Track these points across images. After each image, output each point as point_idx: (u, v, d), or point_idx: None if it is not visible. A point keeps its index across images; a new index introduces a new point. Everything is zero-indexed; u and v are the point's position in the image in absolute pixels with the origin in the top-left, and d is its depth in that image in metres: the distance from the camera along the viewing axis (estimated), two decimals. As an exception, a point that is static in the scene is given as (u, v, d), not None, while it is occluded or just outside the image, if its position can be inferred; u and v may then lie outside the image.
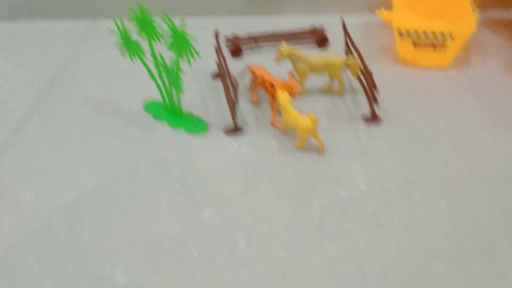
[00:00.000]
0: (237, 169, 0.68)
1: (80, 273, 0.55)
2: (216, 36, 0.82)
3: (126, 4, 1.07)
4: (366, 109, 0.77)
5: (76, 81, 0.89)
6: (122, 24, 0.68)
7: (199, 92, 0.84)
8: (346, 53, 0.86)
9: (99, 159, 0.71)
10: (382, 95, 0.77)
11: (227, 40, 0.95)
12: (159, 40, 0.66)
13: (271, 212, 0.62)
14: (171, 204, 0.63)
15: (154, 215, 0.62)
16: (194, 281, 0.54)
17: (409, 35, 0.82)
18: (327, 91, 0.81)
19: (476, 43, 0.89)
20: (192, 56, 0.64)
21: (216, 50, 0.83)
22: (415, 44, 0.83)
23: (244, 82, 0.83)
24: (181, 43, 0.64)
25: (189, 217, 0.61)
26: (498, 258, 0.56)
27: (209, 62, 0.86)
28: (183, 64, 0.68)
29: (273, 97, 0.74)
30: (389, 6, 0.96)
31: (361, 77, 0.79)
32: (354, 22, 0.97)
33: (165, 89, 0.75)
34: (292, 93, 0.71)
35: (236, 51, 0.92)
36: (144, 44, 0.70)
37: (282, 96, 0.70)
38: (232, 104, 0.72)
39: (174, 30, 0.63)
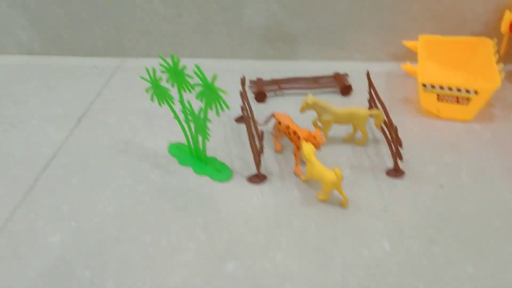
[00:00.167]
0: (260, 220, 0.68)
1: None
2: (243, 83, 0.84)
3: (153, 44, 1.11)
4: (389, 162, 0.77)
5: (103, 119, 0.92)
6: (154, 72, 0.70)
7: (223, 136, 0.85)
8: (370, 103, 0.87)
9: (123, 202, 0.72)
10: (405, 147, 0.77)
11: (251, 82, 0.97)
12: (189, 91, 0.67)
13: (294, 267, 0.61)
14: (194, 255, 0.63)
15: (177, 265, 0.62)
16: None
17: (433, 87, 0.83)
18: (350, 140, 0.82)
19: (499, 97, 0.89)
20: (222, 108, 0.65)
21: (242, 96, 0.84)
22: (438, 97, 0.84)
23: (268, 128, 0.84)
24: (211, 95, 0.65)
25: (211, 270, 0.61)
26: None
27: (233, 105, 0.87)
28: (211, 113, 0.69)
29: (297, 146, 0.74)
30: (412, 54, 0.98)
31: (385, 129, 0.80)
32: (378, 70, 0.99)
33: (191, 135, 0.76)
34: (317, 145, 0.71)
35: (260, 96, 0.94)
36: (173, 91, 0.71)
37: (307, 148, 0.70)
38: (257, 154, 0.72)
39: (205, 82, 0.65)
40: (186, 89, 0.68)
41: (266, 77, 0.99)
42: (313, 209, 0.69)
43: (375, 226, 0.66)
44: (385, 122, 0.78)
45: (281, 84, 0.96)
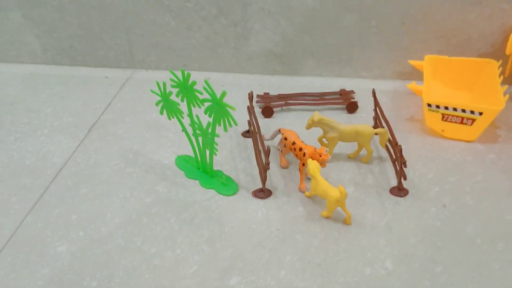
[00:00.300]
0: (265, 235, 0.69)
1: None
2: (250, 98, 0.85)
3: (163, 57, 1.13)
4: (393, 180, 0.78)
5: (113, 130, 0.94)
6: (164, 86, 0.72)
7: (230, 150, 0.86)
8: (375, 121, 0.88)
9: (130, 213, 0.74)
10: (409, 165, 0.78)
11: (259, 97, 0.99)
12: (199, 106, 0.69)
13: (296, 284, 0.62)
14: (198, 268, 0.64)
15: (182, 277, 0.63)
16: None
17: (437, 108, 0.84)
18: (354, 157, 0.83)
19: (504, 119, 0.90)
20: (230, 124, 0.67)
21: (249, 111, 0.86)
22: (443, 117, 0.85)
23: (274, 144, 0.85)
24: (219, 111, 0.67)
25: (215, 284, 0.62)
26: None
27: (241, 120, 0.88)
28: (219, 128, 0.70)
29: (302, 162, 0.76)
30: (418, 74, 0.99)
31: (390, 147, 0.81)
32: (384, 88, 1.00)
33: (199, 149, 0.78)
34: (322, 161, 0.73)
35: (267, 111, 0.95)
36: (182, 105, 0.73)
37: (312, 165, 0.71)
38: (263, 169, 0.74)
39: (214, 97, 0.66)
40: (195, 104, 0.70)
41: (273, 92, 1.01)
42: (317, 225, 0.70)
43: (377, 244, 0.67)
44: (389, 141, 0.79)
45: (287, 100, 0.98)
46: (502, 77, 0.88)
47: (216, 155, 0.75)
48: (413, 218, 0.71)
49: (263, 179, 0.74)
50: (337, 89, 1.01)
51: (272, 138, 0.84)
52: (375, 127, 0.87)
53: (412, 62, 0.97)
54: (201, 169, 0.80)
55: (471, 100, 0.92)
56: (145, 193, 0.78)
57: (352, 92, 1.00)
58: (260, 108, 0.96)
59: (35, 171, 0.84)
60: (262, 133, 0.79)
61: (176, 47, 1.09)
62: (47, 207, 0.76)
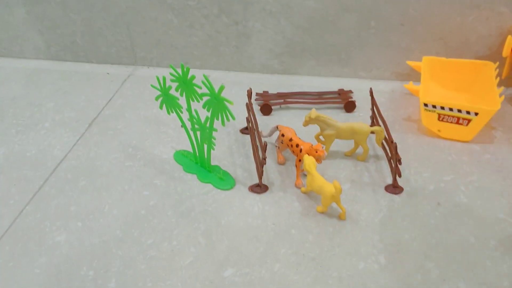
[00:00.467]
0: (260, 229, 0.70)
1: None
2: (249, 95, 0.86)
3: (165, 54, 1.15)
4: (388, 178, 0.78)
5: (113, 125, 0.95)
6: (164, 80, 0.73)
7: (228, 146, 0.87)
8: (372, 120, 0.89)
9: (128, 205, 0.75)
10: (405, 164, 0.79)
11: (258, 95, 1.00)
12: (197, 100, 0.70)
13: (291, 277, 0.63)
14: (194, 260, 0.65)
15: (177, 268, 0.64)
16: None
17: (434, 107, 0.85)
18: (351, 155, 0.84)
19: (500, 120, 0.91)
20: (227, 118, 0.68)
21: (247, 108, 0.87)
22: (439, 117, 0.86)
23: (271, 140, 0.86)
24: (217, 105, 0.68)
25: (210, 275, 0.63)
26: None
27: (239, 116, 0.89)
28: (217, 123, 0.71)
29: (299, 158, 0.76)
30: (416, 75, 1.00)
31: (386, 145, 0.82)
32: (382, 89, 1.01)
33: (197, 143, 0.79)
34: (318, 158, 0.73)
35: (266, 108, 0.96)
36: (182, 99, 0.74)
37: (308, 161, 0.72)
38: (260, 164, 0.75)
39: (212, 92, 0.67)
40: (194, 98, 0.71)
41: (272, 90, 1.02)
42: (312, 220, 0.71)
43: (371, 239, 0.68)
44: (385, 139, 0.80)
45: (286, 98, 0.99)
46: (498, 78, 0.89)
47: (214, 149, 0.76)
48: (408, 215, 0.72)
49: (260, 174, 0.75)
50: (335, 89, 1.02)
51: (270, 134, 0.85)
52: (372, 126, 0.88)
53: (410, 63, 0.98)
54: (199, 163, 0.82)
55: (468, 101, 0.93)
56: (143, 186, 0.79)
57: (350, 91, 1.01)
58: (259, 105, 0.97)
59: (36, 163, 0.85)
60: (260, 130, 0.80)
61: (178, 44, 1.10)
62: (47, 198, 0.77)
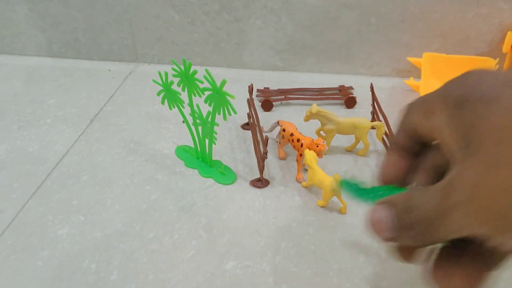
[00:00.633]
0: (261, 223, 0.70)
1: (104, 314, 0.58)
2: (250, 91, 0.87)
3: (166, 51, 1.15)
4: (389, 173, 0.79)
5: (115, 121, 0.95)
6: (166, 75, 0.73)
7: (229, 142, 0.88)
8: (373, 116, 0.89)
9: (130, 200, 0.75)
10: (405, 159, 0.79)
11: (258, 91, 1.00)
12: (199, 95, 0.71)
13: (291, 269, 0.63)
14: (196, 254, 0.65)
15: (179, 262, 0.64)
16: (213, 333, 0.56)
17: (434, 103, 0.85)
18: (351, 150, 0.84)
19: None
20: (229, 113, 0.68)
21: (249, 104, 0.87)
22: (440, 112, 0.86)
23: (272, 136, 0.87)
24: (219, 100, 0.68)
25: (212, 268, 0.63)
26: None
27: (240, 113, 0.89)
28: (218, 118, 0.71)
29: (300, 153, 0.77)
30: (416, 71, 1.01)
31: (386, 141, 0.82)
32: (382, 85, 1.02)
33: (198, 138, 0.79)
34: (319, 152, 0.74)
35: (267, 104, 0.97)
36: (183, 94, 0.74)
37: (309, 155, 0.73)
38: (261, 159, 0.75)
39: (214, 86, 0.68)
40: (196, 93, 0.71)
41: (273, 87, 1.03)
42: (313, 214, 0.72)
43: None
44: (386, 134, 0.81)
45: (287, 94, 1.00)
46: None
47: (215, 144, 0.76)
48: (408, 209, 0.72)
49: (261, 169, 0.76)
50: (336, 85, 1.03)
51: (271, 130, 0.85)
52: (372, 121, 0.88)
53: (411, 59, 0.98)
54: (200, 158, 0.82)
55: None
56: (145, 181, 0.79)
57: (351, 88, 1.01)
58: (259, 102, 0.97)
59: (38, 158, 0.85)
60: (261, 125, 0.80)
61: (179, 41, 1.11)
62: (49, 193, 0.77)
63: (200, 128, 0.77)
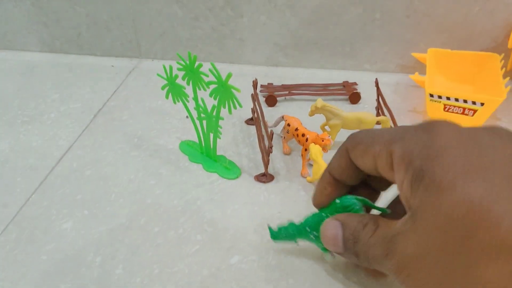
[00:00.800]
0: (266, 218, 0.70)
1: (110, 308, 0.58)
2: (255, 85, 0.86)
3: (170, 47, 1.15)
4: (394, 168, 0.78)
5: (118, 116, 0.95)
6: (170, 69, 0.73)
7: (233, 137, 0.88)
8: (377, 111, 0.89)
9: (134, 194, 0.75)
10: (411, 155, 0.79)
11: (262, 87, 1.00)
12: (204, 89, 0.70)
13: (297, 263, 0.63)
14: (201, 248, 0.65)
15: (184, 256, 0.64)
16: (219, 327, 0.56)
17: (439, 98, 0.85)
18: (356, 145, 0.84)
19: (505, 111, 0.91)
20: (234, 106, 0.68)
21: (253, 98, 0.87)
22: (445, 107, 0.86)
23: (277, 131, 0.86)
24: (224, 93, 0.68)
25: (217, 262, 0.63)
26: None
27: (244, 108, 0.89)
28: (223, 111, 0.71)
29: (305, 147, 0.77)
30: (421, 67, 1.00)
31: (391, 136, 0.82)
32: (386, 81, 1.02)
33: (203, 133, 0.79)
34: (324, 146, 0.74)
35: (271, 99, 0.96)
36: (188, 88, 0.74)
37: (315, 149, 0.72)
38: (266, 153, 0.75)
39: (219, 79, 0.67)
40: (201, 87, 0.71)
41: (277, 83, 1.02)
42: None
43: (378, 227, 0.68)
44: (391, 129, 0.80)
45: (291, 90, 0.99)
46: (504, 69, 0.89)
47: (220, 138, 0.76)
48: (414, 204, 0.72)
49: (266, 163, 0.75)
50: (340, 81, 1.02)
51: (275, 125, 0.85)
52: (377, 116, 0.88)
53: (415, 54, 0.98)
54: (204, 153, 0.82)
55: (473, 93, 0.93)
56: (149, 176, 0.79)
57: (355, 83, 1.01)
58: (263, 97, 0.97)
59: (41, 153, 0.85)
60: (265, 120, 0.80)
61: (183, 37, 1.10)
62: (53, 187, 0.77)
63: (204, 122, 0.77)
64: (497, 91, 0.84)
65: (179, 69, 0.72)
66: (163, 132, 0.90)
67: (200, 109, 0.75)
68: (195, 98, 0.74)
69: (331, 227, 0.54)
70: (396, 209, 0.54)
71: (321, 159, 0.72)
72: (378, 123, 0.81)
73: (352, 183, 0.56)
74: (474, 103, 0.83)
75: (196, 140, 0.82)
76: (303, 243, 0.62)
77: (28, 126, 0.93)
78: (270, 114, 0.93)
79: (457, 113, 0.85)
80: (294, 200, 0.73)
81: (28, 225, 0.70)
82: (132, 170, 0.80)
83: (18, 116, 0.96)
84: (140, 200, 0.74)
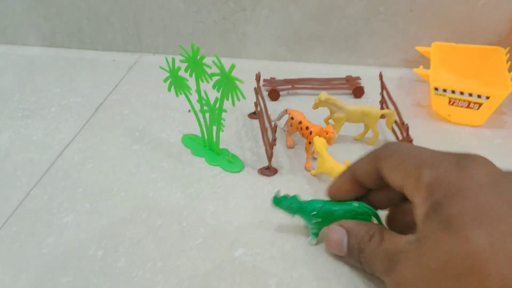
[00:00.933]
0: (270, 211, 0.69)
1: (112, 301, 0.57)
2: (258, 79, 0.85)
3: (171, 41, 1.14)
4: (399, 162, 0.77)
5: (120, 110, 0.94)
6: (173, 61, 0.72)
7: (236, 130, 0.87)
8: (381, 105, 0.88)
9: (136, 187, 0.74)
10: (415, 149, 0.78)
11: (265, 81, 0.99)
12: (207, 81, 0.69)
13: (301, 257, 0.62)
14: (204, 241, 0.64)
15: (187, 249, 0.63)
16: (222, 320, 0.55)
17: (444, 91, 0.84)
18: (360, 138, 0.83)
19: (510, 105, 0.90)
20: (238, 98, 0.67)
21: (256, 92, 0.86)
22: (450, 101, 0.85)
23: (280, 125, 0.86)
24: (228, 85, 0.67)
25: (221, 255, 0.62)
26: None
27: (247, 102, 0.89)
28: (227, 104, 0.70)
29: (309, 141, 0.76)
30: (425, 62, 0.99)
31: (396, 130, 0.81)
32: (390, 76, 1.01)
33: (206, 126, 0.78)
34: (328, 139, 0.73)
35: (274, 93, 0.95)
36: (191, 81, 0.73)
37: (319, 142, 0.72)
38: (269, 147, 0.74)
39: (222, 71, 0.67)
40: (204, 79, 0.70)
41: (280, 77, 1.02)
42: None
43: (381, 218, 0.67)
44: (396, 123, 0.79)
45: (294, 84, 0.98)
46: (509, 64, 0.88)
47: (223, 131, 0.75)
48: (419, 197, 0.71)
49: (269, 156, 0.74)
50: (343, 76, 1.01)
51: (279, 118, 0.84)
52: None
53: (419, 48, 0.97)
54: (207, 146, 0.81)
55: (478, 87, 0.92)
56: (151, 169, 0.78)
57: (358, 78, 1.00)
58: (266, 91, 0.96)
59: (42, 146, 0.84)
60: (269, 114, 0.79)
61: (185, 31, 1.10)
62: (53, 181, 0.76)
63: (207, 115, 0.76)
64: (502, 85, 0.84)
65: (181, 61, 0.71)
66: (165, 126, 0.89)
67: (203, 101, 0.74)
68: (198, 91, 0.73)
69: (337, 232, 0.57)
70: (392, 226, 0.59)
71: (326, 152, 0.71)
72: (382, 116, 0.80)
73: (371, 187, 0.58)
74: (479, 96, 0.82)
75: (199, 133, 0.81)
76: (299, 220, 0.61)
77: (29, 120, 0.92)
78: (273, 109, 0.92)
79: (462, 106, 0.84)
80: (298, 193, 0.71)
81: (29, 218, 0.69)
82: (134, 163, 0.79)
83: (18, 110, 0.95)
84: (142, 193, 0.73)
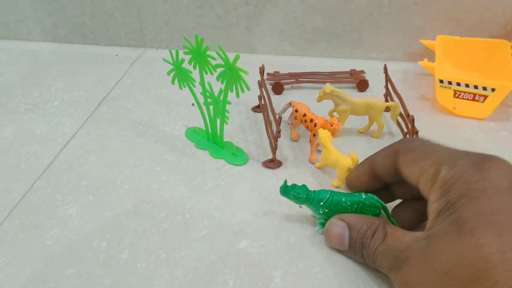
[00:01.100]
0: (275, 203, 0.69)
1: (116, 292, 0.56)
2: (261, 72, 0.85)
3: (174, 36, 1.13)
4: (404, 154, 0.77)
5: (123, 104, 0.94)
6: (177, 53, 0.72)
7: (239, 124, 0.86)
8: (386, 98, 0.88)
9: (139, 180, 0.74)
10: (420, 141, 0.77)
11: (269, 75, 0.99)
12: (211, 73, 0.69)
13: (307, 249, 0.62)
14: (208, 233, 0.64)
15: (192, 241, 0.62)
16: (227, 311, 0.54)
17: (450, 84, 0.84)
18: (365, 131, 0.83)
19: (516, 98, 0.90)
20: (242, 89, 0.66)
21: (260, 85, 0.86)
22: (455, 94, 0.84)
23: (284, 118, 0.85)
24: (232, 76, 0.67)
25: (225, 247, 0.62)
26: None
27: (250, 95, 0.88)
28: (231, 96, 0.70)
29: (313, 133, 0.75)
30: (429, 56, 0.99)
31: (401, 122, 0.80)
32: (394, 69, 1.00)
33: (210, 118, 0.78)
34: (333, 131, 0.72)
35: (278, 87, 0.95)
36: (194, 73, 0.73)
37: (323, 134, 0.71)
38: (274, 139, 0.73)
39: (226, 62, 0.66)
40: (207, 70, 0.70)
41: (283, 72, 1.01)
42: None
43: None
44: (401, 115, 0.79)
45: (298, 78, 0.98)
46: (514, 57, 0.88)
47: (227, 123, 0.75)
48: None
49: (274, 149, 0.74)
50: (347, 69, 1.01)
51: (283, 111, 0.83)
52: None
53: (424, 41, 0.96)
54: (211, 139, 0.80)
55: (484, 81, 0.91)
56: (154, 162, 0.78)
57: (362, 71, 1.00)
58: (270, 85, 0.96)
59: (45, 140, 0.84)
60: (273, 107, 0.78)
61: (187, 26, 1.09)
62: (57, 173, 0.76)
63: (211, 107, 0.76)
64: (507, 78, 0.83)
65: (185, 53, 0.70)
66: (168, 119, 0.89)
67: (207, 93, 0.74)
68: (202, 83, 0.73)
69: (338, 226, 0.57)
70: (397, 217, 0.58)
71: (330, 144, 0.71)
72: (387, 109, 0.80)
73: (388, 181, 0.57)
74: (485, 89, 0.81)
75: (203, 127, 0.81)
76: (306, 210, 0.61)
77: (32, 114, 0.92)
78: (277, 102, 0.92)
79: (467, 99, 0.83)
80: (303, 186, 0.72)
81: (32, 211, 0.69)
82: (137, 156, 0.79)
83: (21, 104, 0.95)
84: (146, 186, 0.73)
